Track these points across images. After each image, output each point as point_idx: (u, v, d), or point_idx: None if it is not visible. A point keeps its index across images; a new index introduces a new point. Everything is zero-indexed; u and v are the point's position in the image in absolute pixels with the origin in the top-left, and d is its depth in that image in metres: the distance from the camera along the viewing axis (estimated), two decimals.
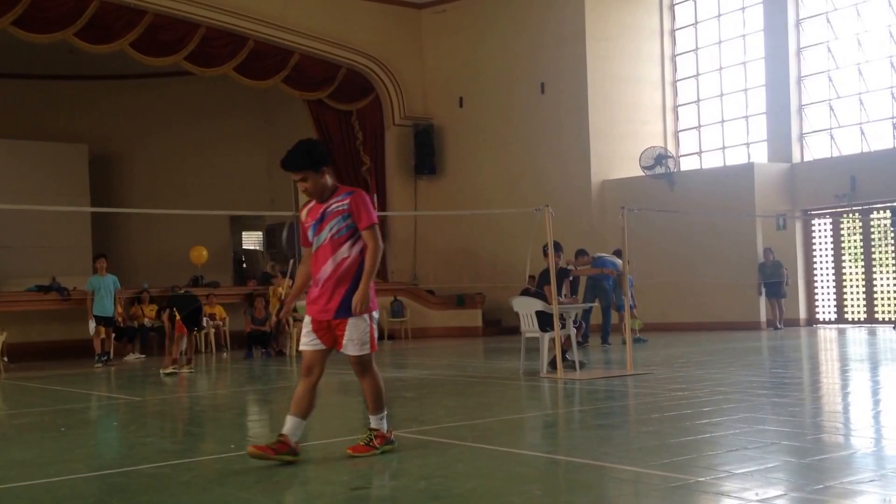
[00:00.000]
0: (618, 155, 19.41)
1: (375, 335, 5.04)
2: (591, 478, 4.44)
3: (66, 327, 16.51)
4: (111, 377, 12.22)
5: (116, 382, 11.49)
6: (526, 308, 9.83)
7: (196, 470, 5.08)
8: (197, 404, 8.96)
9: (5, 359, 14.00)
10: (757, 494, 3.79)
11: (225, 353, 16.41)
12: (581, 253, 13.97)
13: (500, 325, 18.88)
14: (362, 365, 5.05)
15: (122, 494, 4.47)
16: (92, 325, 14.08)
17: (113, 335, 14.66)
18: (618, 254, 14.40)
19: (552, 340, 9.38)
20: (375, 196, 20.88)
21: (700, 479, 4.11)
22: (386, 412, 5.16)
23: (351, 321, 4.92)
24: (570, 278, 13.51)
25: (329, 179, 4.99)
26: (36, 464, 5.35)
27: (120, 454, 5.94)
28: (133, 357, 15.29)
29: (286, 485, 4.53)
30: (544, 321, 9.59)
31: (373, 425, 5.14)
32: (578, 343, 11.27)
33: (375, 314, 5.04)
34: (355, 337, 4.94)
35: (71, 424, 7.18)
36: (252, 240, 26.85)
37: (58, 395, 9.98)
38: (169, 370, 11.62)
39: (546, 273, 9.76)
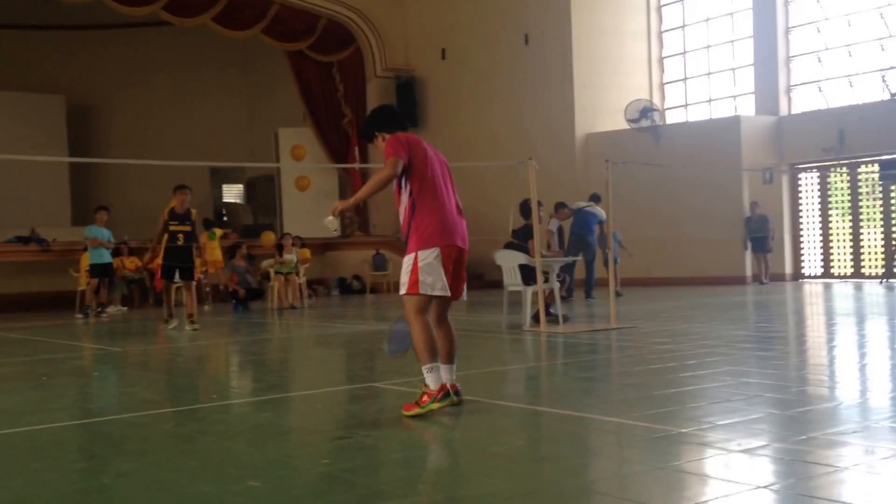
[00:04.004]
0: (602, 108, 19.26)
1: (420, 277, 4.61)
2: (573, 429, 4.42)
3: (47, 279, 16.38)
4: (92, 329, 12.13)
5: (97, 334, 11.41)
6: (509, 262, 9.77)
7: (179, 419, 5.04)
8: (178, 356, 8.90)
9: None
10: (739, 445, 3.77)
11: (206, 306, 16.32)
12: (560, 206, 13.89)
13: (483, 279, 18.86)
14: (405, 307, 4.74)
15: (105, 442, 4.43)
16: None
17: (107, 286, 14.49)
18: (595, 199, 14.34)
19: (535, 294, 9.34)
20: (357, 149, 20.71)
21: (683, 430, 4.08)
22: (431, 364, 4.63)
23: (404, 259, 4.78)
24: (554, 233, 13.49)
25: (381, 142, 4.92)
26: (17, 412, 5.30)
27: (102, 403, 5.90)
28: (115, 309, 15.20)
29: (269, 435, 4.49)
30: (527, 275, 9.54)
31: (425, 381, 4.69)
32: (562, 297, 11.26)
33: (423, 254, 4.63)
34: (402, 275, 4.76)
35: (52, 374, 7.12)
36: (233, 193, 26.65)
37: (39, 345, 9.90)
38: (171, 326, 10.90)
39: (526, 228, 9.69)
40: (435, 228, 4.69)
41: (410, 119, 20.97)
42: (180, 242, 10.73)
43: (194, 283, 11.20)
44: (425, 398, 4.59)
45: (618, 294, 14.15)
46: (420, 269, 4.65)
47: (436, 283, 4.66)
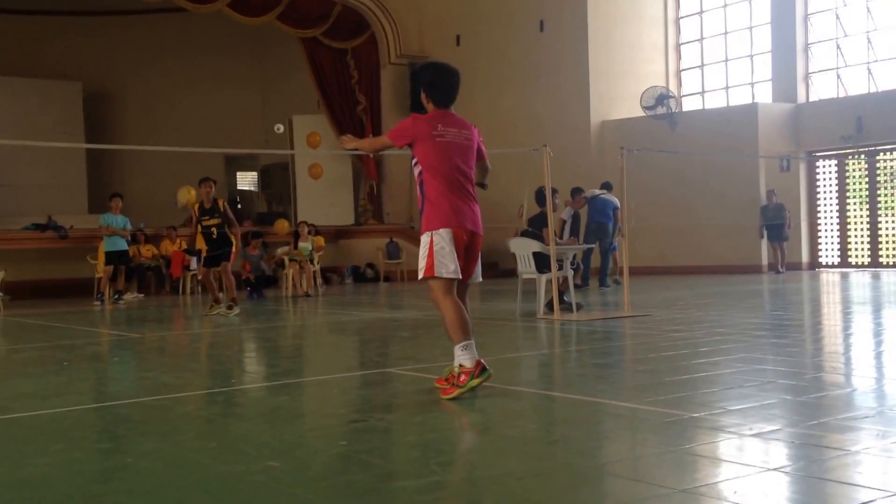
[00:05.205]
0: (618, 95, 19.20)
1: (436, 260, 4.69)
2: (586, 413, 4.46)
3: (64, 266, 16.52)
4: (109, 315, 12.26)
5: (115, 320, 11.53)
6: (523, 249, 9.80)
7: (198, 403, 5.12)
8: (196, 341, 8.99)
9: (6, 296, 14.03)
10: (752, 429, 3.79)
11: (220, 293, 16.40)
12: (577, 191, 13.91)
13: (497, 268, 18.90)
14: (430, 291, 4.79)
15: (127, 424, 4.50)
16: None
17: (123, 273, 14.68)
18: (607, 186, 14.35)
19: (549, 282, 9.37)
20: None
21: (695, 415, 4.11)
22: (466, 342, 4.62)
23: (420, 240, 4.86)
24: (566, 222, 13.51)
25: (424, 100, 5.00)
26: (40, 395, 5.39)
27: (122, 387, 5.99)
28: (131, 296, 15.34)
29: (286, 417, 4.56)
30: (542, 263, 9.57)
31: (455, 361, 4.68)
32: (577, 285, 11.28)
33: (437, 237, 4.70)
34: (419, 259, 4.83)
35: (72, 359, 7.21)
36: (247, 180, 26.76)
37: (57, 331, 10.02)
38: (214, 311, 11.17)
39: (540, 216, 9.72)
40: (445, 213, 4.76)
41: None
42: (214, 237, 10.97)
43: (229, 264, 11.33)
44: (463, 377, 4.58)
45: (616, 282, 14.18)
46: (435, 252, 4.72)
47: (448, 265, 4.72)
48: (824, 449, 3.47)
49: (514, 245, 9.98)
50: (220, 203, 11.16)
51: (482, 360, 4.63)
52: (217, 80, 24.22)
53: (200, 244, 11.35)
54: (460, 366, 4.64)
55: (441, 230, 4.73)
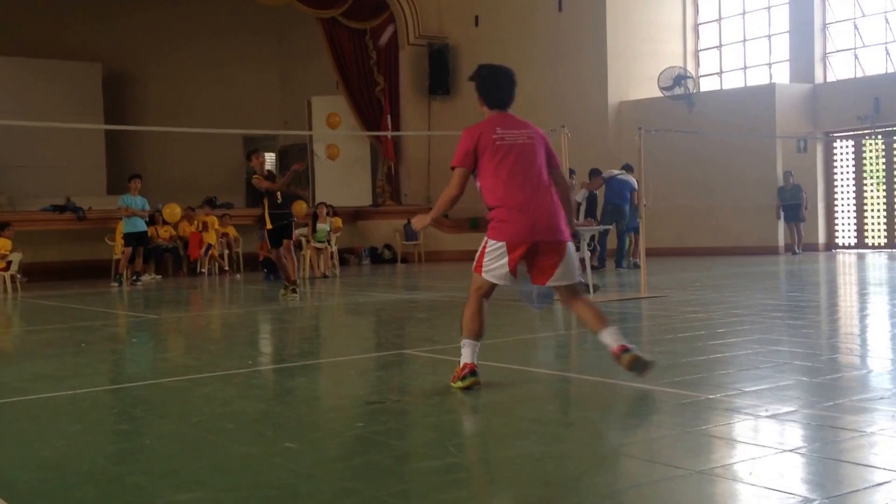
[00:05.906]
0: (636, 75, 19.07)
1: (485, 261, 4.57)
2: (602, 394, 4.47)
3: (82, 247, 16.62)
4: (127, 297, 12.36)
5: (133, 302, 11.62)
6: None
7: (215, 384, 5.14)
8: (213, 323, 9.06)
9: (24, 277, 14.17)
10: (767, 410, 3.80)
11: (238, 275, 16.53)
12: (595, 172, 13.86)
13: None
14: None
15: (145, 406, 4.55)
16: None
17: (142, 255, 14.76)
18: (628, 168, 14.27)
19: None
20: (389, 117, 20.69)
21: (710, 396, 4.12)
22: (467, 340, 4.53)
23: None
24: (581, 203, 13.46)
25: (480, 106, 4.78)
26: (58, 377, 5.45)
27: (140, 368, 6.04)
28: (149, 278, 15.44)
29: (304, 399, 4.59)
30: None
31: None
32: (594, 267, 11.26)
33: (492, 243, 4.57)
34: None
35: (90, 341, 7.28)
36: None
37: (75, 312, 10.11)
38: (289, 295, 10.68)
39: None
40: (503, 225, 4.56)
41: (443, 87, 20.91)
42: (279, 200, 10.70)
43: (291, 242, 10.99)
44: (455, 376, 4.55)
45: (635, 265, 14.13)
46: (486, 253, 4.61)
47: (497, 271, 4.53)
48: (839, 430, 3.47)
49: None
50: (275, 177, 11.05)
51: (473, 364, 4.50)
52: (236, 61, 24.22)
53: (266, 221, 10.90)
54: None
55: (498, 241, 4.56)
